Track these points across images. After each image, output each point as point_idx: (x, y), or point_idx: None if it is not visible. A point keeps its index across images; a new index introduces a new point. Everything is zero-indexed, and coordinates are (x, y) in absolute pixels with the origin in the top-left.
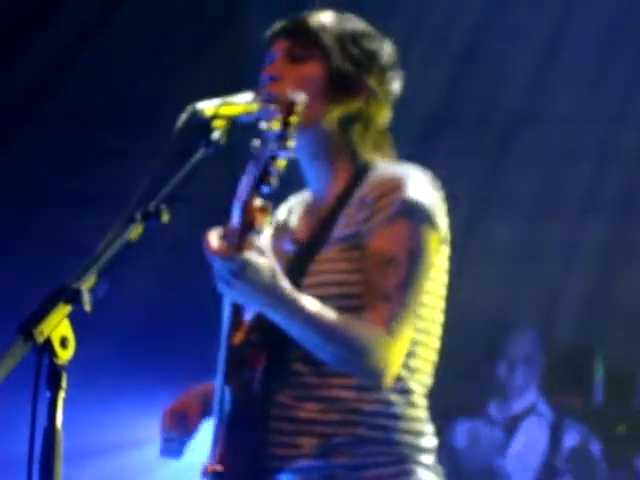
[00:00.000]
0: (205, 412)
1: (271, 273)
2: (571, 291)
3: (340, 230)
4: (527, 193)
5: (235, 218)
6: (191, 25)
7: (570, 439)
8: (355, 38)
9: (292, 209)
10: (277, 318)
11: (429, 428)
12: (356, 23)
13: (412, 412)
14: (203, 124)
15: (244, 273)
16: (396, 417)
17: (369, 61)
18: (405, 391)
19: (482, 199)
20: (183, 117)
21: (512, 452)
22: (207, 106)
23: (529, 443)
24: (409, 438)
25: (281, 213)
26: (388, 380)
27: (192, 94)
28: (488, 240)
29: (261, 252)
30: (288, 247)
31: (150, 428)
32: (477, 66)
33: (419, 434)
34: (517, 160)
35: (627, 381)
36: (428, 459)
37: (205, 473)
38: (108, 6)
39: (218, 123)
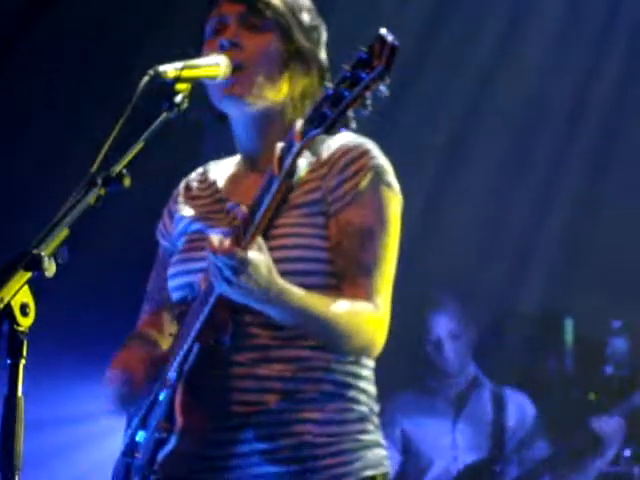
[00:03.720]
0: (149, 372)
1: (268, 270)
2: (539, 258)
3: (301, 195)
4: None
5: (239, 215)
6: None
7: (512, 410)
8: (304, 12)
9: (217, 174)
10: (273, 312)
11: (375, 390)
12: None
13: (364, 372)
14: (165, 87)
15: (246, 270)
16: (354, 375)
17: (317, 39)
18: None
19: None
20: (145, 80)
21: (461, 426)
22: (169, 69)
23: (476, 416)
24: (366, 398)
25: (201, 177)
26: (375, 354)
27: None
28: (455, 209)
29: (261, 249)
30: (238, 211)
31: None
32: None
33: (371, 395)
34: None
35: (597, 348)
36: (378, 421)
37: (158, 429)
38: None
39: (181, 86)
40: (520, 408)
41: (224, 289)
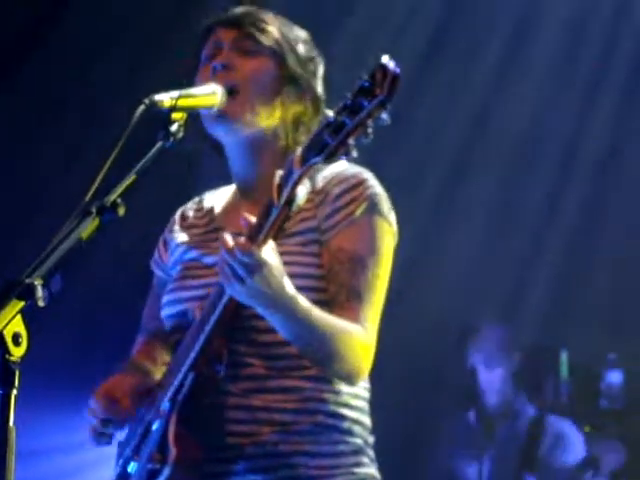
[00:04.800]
0: (135, 401)
1: (280, 274)
2: (535, 291)
3: (296, 223)
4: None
5: (252, 217)
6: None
7: (551, 432)
8: (301, 43)
9: (213, 203)
10: (275, 320)
11: (369, 421)
12: (297, 28)
13: (358, 403)
14: (161, 116)
15: (260, 270)
16: (349, 407)
17: (315, 68)
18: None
19: (442, 205)
20: (140, 109)
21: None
22: (165, 98)
23: (509, 440)
24: (360, 429)
25: (197, 206)
26: (359, 382)
27: (150, 85)
28: (451, 240)
29: (275, 252)
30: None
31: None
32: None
33: (366, 427)
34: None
35: (592, 381)
36: (372, 453)
37: (151, 459)
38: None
39: (176, 115)
40: (558, 436)
41: (236, 289)
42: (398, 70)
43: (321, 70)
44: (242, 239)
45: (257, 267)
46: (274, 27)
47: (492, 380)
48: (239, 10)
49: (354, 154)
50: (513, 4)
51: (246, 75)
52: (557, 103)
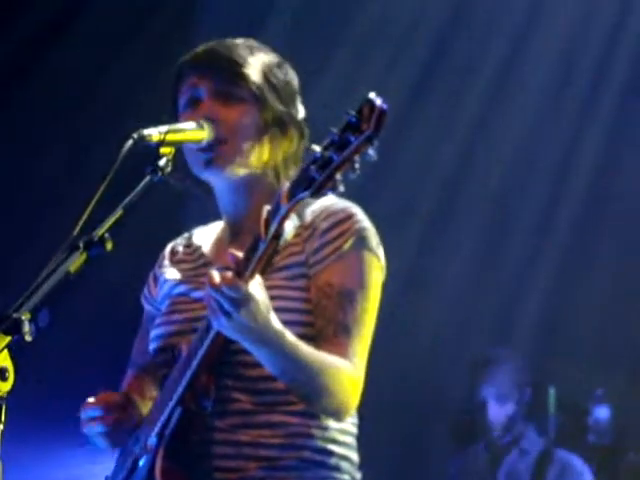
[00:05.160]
0: (129, 414)
1: (267, 308)
2: (521, 327)
3: (283, 258)
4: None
5: (239, 252)
6: (140, 44)
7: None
8: (275, 71)
9: (202, 239)
10: (261, 354)
11: (357, 457)
12: (268, 52)
13: (346, 439)
14: (149, 151)
15: (247, 305)
16: (336, 442)
17: (291, 95)
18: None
19: (430, 239)
20: (128, 143)
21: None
22: (153, 132)
23: (514, 473)
24: (348, 465)
25: (187, 242)
26: (346, 417)
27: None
28: (439, 274)
29: (261, 287)
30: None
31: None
32: None
33: (354, 463)
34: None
35: (580, 417)
36: None
37: None
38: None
39: (164, 150)
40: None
41: (223, 324)
42: (385, 106)
43: (296, 83)
44: (229, 274)
45: (243, 302)
46: (250, 67)
47: (502, 414)
48: (210, 52)
49: (341, 189)
50: (495, 49)
51: (232, 126)
52: (545, 134)
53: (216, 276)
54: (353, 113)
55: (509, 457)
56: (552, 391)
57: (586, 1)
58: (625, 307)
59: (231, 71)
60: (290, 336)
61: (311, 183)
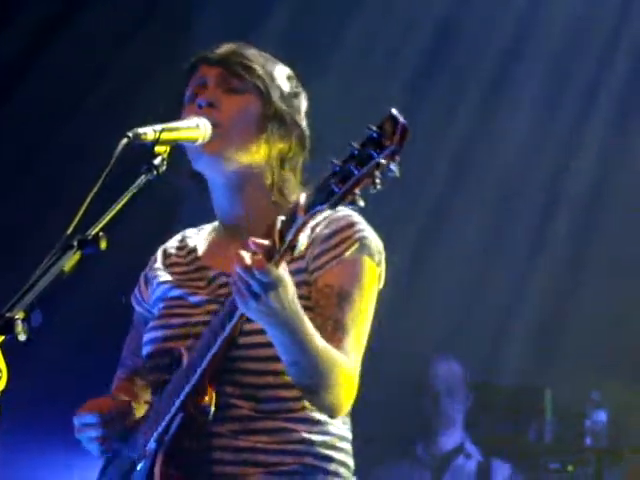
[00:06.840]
0: (122, 420)
1: (293, 293)
2: (518, 330)
3: (286, 264)
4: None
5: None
6: (136, 49)
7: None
8: (284, 78)
9: (196, 241)
10: (281, 338)
11: (353, 463)
12: (280, 64)
13: (345, 445)
14: (145, 149)
15: (276, 288)
16: (335, 448)
17: (297, 106)
18: (338, 423)
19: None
20: (123, 142)
21: None
22: (148, 131)
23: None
24: (346, 471)
25: (180, 244)
26: (341, 414)
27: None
28: (435, 275)
29: (286, 272)
30: (220, 278)
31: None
32: None
33: (351, 469)
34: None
35: (577, 420)
36: None
37: None
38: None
39: (160, 149)
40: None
41: (250, 306)
42: (406, 123)
43: (305, 105)
44: (260, 256)
45: (273, 285)
46: (258, 64)
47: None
48: (224, 48)
49: (361, 204)
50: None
51: (231, 113)
52: (538, 147)
53: (247, 258)
54: (374, 128)
55: (449, 467)
56: (549, 395)
57: (584, 6)
58: (621, 311)
59: (240, 64)
60: (310, 325)
61: (330, 196)
